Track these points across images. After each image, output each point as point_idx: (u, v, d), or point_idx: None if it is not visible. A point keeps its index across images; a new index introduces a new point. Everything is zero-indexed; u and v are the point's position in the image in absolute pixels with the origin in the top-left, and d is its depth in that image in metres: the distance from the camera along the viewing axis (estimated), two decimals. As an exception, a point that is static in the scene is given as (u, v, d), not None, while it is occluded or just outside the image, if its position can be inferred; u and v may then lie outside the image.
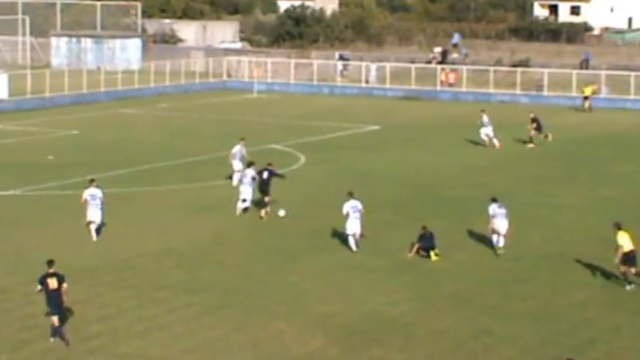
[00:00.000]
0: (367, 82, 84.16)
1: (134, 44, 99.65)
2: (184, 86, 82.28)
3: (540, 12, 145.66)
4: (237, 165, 41.22)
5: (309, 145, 46.23)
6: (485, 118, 53.43)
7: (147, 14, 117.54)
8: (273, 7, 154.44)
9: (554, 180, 44.51)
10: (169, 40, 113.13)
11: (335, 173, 43.77)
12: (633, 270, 28.03)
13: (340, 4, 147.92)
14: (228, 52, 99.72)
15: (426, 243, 30.93)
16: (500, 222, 31.23)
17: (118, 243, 32.24)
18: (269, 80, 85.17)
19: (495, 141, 52.60)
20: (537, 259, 31.29)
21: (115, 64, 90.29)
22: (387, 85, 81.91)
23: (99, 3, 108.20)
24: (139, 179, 43.26)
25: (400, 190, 41.69)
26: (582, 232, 34.81)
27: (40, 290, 23.85)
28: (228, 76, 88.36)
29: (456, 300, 26.91)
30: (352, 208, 31.76)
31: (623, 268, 28.15)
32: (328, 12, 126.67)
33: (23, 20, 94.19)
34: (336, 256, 31.15)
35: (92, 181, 34.48)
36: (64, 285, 23.80)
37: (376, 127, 61.02)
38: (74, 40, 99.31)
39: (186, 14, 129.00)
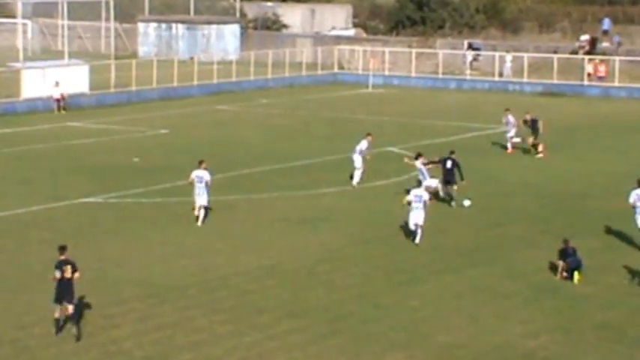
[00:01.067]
0: (501, 75, 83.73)
1: (231, 31, 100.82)
2: (289, 79, 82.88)
3: None
4: (357, 161, 43.48)
5: (432, 148, 45.99)
6: (508, 118, 52.49)
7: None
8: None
9: None
10: (272, 26, 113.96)
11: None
12: None
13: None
14: (339, 40, 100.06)
15: (571, 261, 30.54)
16: None
17: (212, 259, 32.60)
18: (386, 73, 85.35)
19: (509, 144, 52.04)
20: (702, 284, 30.74)
21: (209, 53, 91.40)
22: (525, 79, 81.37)
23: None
24: (236, 186, 43.68)
25: (538, 202, 41.31)
26: None
27: (57, 278, 25.51)
28: (340, 67, 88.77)
29: (606, 331, 26.54)
30: None
31: None
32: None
33: (107, 3, 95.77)
34: (464, 277, 31.01)
35: (201, 162, 37.63)
36: (76, 274, 25.94)
37: (511, 128, 60.58)
38: (164, 26, 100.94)
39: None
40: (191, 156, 50.50)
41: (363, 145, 44.23)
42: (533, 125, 50.50)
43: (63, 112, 64.82)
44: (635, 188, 34.87)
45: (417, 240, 34.24)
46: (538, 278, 30.95)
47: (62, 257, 26.08)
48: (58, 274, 25.60)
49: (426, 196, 34.83)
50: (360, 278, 30.81)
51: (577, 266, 30.43)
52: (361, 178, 43.70)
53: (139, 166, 47.85)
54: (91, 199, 40.38)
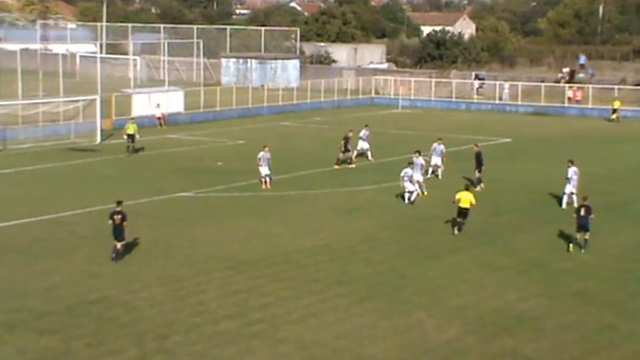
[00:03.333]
0: (500, 99, 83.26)
1: (293, 65, 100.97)
2: (337, 102, 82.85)
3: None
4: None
5: (447, 155, 45.88)
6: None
7: (304, 38, 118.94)
8: (416, 31, 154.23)
9: (675, 189, 43.09)
10: (324, 61, 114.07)
11: (470, 180, 43.28)
12: None
13: (477, 29, 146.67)
14: (376, 71, 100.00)
15: (580, 220, 31.05)
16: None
17: (277, 240, 32.63)
18: (412, 97, 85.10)
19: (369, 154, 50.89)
20: (658, 261, 30.33)
21: (276, 82, 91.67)
22: (519, 102, 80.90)
23: (263, 29, 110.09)
24: (296, 184, 43.71)
25: (529, 197, 41.01)
26: (701, 238, 33.57)
27: (110, 224, 29.09)
28: (376, 93, 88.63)
29: (582, 297, 26.29)
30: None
31: None
32: (466, 36, 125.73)
33: (198, 43, 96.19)
34: (471, 255, 30.82)
35: (265, 147, 42.29)
36: (125, 222, 29.13)
37: (508, 140, 60.20)
38: (241, 60, 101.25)
39: (340, 38, 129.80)
40: (261, 161, 50.83)
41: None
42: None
43: (164, 127, 65.15)
44: (569, 166, 38.26)
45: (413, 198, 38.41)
46: (528, 255, 30.72)
47: (117, 208, 29.25)
48: (109, 222, 29.18)
49: (421, 161, 40.18)
50: (390, 255, 30.72)
51: (583, 226, 30.98)
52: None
53: (222, 168, 48.02)
54: (185, 194, 40.54)
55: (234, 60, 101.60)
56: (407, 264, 29.57)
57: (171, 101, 69.86)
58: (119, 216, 29.17)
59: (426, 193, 40.12)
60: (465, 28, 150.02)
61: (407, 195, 38.89)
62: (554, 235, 33.70)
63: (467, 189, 33.98)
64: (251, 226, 34.58)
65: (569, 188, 38.26)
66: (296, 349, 21.92)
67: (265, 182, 41.87)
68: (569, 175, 38.23)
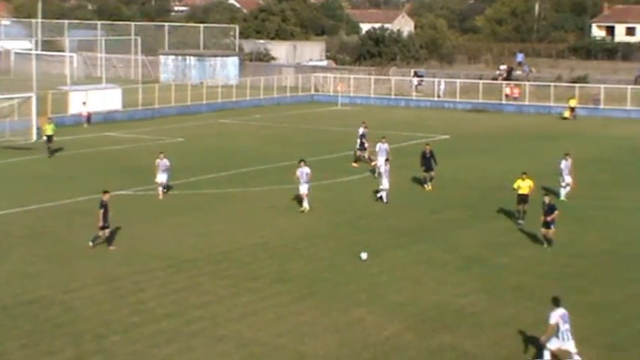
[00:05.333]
0: (439, 96, 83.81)
1: (232, 62, 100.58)
2: (276, 99, 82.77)
3: (598, 33, 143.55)
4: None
5: (391, 153, 46.02)
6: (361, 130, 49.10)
7: (243, 35, 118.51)
8: (355, 29, 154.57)
9: (608, 184, 43.81)
10: (263, 58, 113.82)
11: (409, 177, 43.54)
12: None
13: (415, 27, 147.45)
14: (315, 69, 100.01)
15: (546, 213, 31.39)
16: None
17: (217, 238, 32.50)
18: (351, 94, 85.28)
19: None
20: (594, 256, 30.81)
21: (215, 79, 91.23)
22: (457, 99, 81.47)
23: (202, 26, 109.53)
24: (236, 181, 43.57)
25: (468, 193, 41.37)
26: (636, 232, 34.18)
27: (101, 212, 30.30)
28: (316, 90, 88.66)
29: (519, 292, 26.60)
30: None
31: None
32: (405, 33, 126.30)
33: (135, 41, 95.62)
34: (410, 251, 31.01)
35: (161, 153, 39.95)
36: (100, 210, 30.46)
37: (447, 137, 60.66)
38: (180, 58, 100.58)
39: (279, 35, 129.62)
40: (201, 159, 50.55)
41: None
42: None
43: (87, 125, 64.13)
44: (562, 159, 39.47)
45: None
46: (467, 251, 30.99)
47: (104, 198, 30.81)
48: (101, 211, 30.56)
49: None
50: (331, 252, 30.78)
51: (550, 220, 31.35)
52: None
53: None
54: (124, 192, 40.13)
55: (172, 57, 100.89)
56: (347, 261, 29.63)
57: (109, 99, 69.21)
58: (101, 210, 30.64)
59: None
60: (403, 25, 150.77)
61: (383, 194, 38.54)
62: (492, 230, 34.08)
63: (525, 174, 35.25)
64: (191, 224, 34.40)
65: (566, 179, 39.50)
66: (236, 347, 21.86)
67: (159, 192, 39.33)
68: (562, 167, 39.49)
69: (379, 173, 40.78)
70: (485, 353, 21.82)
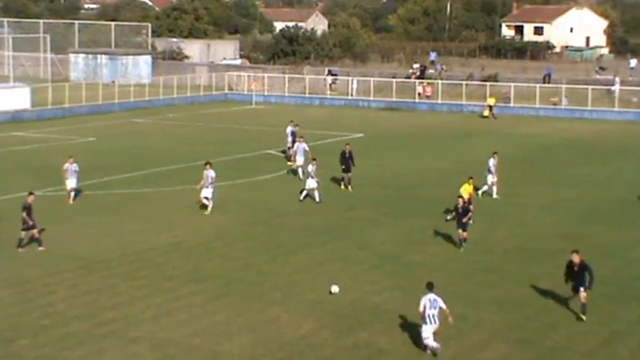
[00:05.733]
0: (352, 94, 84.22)
1: (145, 60, 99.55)
2: (190, 98, 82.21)
3: (507, 32, 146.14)
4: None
5: (309, 153, 46.12)
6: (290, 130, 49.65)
7: (156, 34, 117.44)
8: (269, 27, 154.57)
9: (519, 182, 44.56)
10: (176, 56, 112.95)
11: (324, 175, 43.67)
12: None
13: (329, 25, 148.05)
14: (229, 67, 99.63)
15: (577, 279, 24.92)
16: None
17: (130, 238, 32.16)
18: (266, 93, 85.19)
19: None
20: (504, 252, 31.34)
21: (127, 78, 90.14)
22: (371, 97, 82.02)
23: (113, 24, 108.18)
24: (149, 181, 43.17)
25: (382, 191, 41.67)
26: (544, 229, 34.86)
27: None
28: (229, 89, 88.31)
29: (433, 289, 26.86)
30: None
31: None
32: (318, 32, 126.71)
33: (44, 38, 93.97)
34: (326, 249, 31.11)
35: (70, 157, 38.38)
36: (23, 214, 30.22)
37: (361, 135, 61.01)
38: (90, 56, 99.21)
39: (192, 34, 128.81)
40: (113, 158, 49.94)
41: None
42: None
43: None
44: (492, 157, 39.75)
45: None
46: (382, 249, 31.22)
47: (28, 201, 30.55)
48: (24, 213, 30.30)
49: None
50: (246, 252, 30.71)
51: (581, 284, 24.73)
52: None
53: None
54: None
55: (83, 55, 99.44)
56: (262, 260, 29.60)
57: (17, 98, 67.90)
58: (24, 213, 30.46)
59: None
60: (317, 24, 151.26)
61: (315, 193, 38.42)
62: (406, 228, 34.40)
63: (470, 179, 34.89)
64: (104, 225, 33.97)
65: (490, 178, 39.78)
66: (149, 349, 21.65)
67: (69, 197, 38.02)
68: (490, 165, 39.74)
69: (304, 173, 40.82)
70: (400, 349, 22.03)
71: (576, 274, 24.58)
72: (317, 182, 38.61)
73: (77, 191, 38.63)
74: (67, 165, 38.23)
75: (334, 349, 21.97)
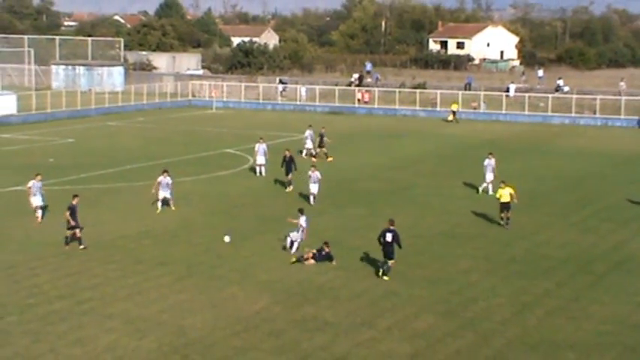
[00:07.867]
0: (300, 100, 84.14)
1: (118, 71, 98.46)
2: (158, 104, 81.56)
3: (434, 46, 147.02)
4: (260, 159, 43.46)
5: (268, 153, 46.02)
6: (307, 132, 50.64)
7: (128, 47, 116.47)
8: (227, 42, 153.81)
9: (445, 175, 44.92)
10: (146, 67, 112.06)
11: (275, 171, 43.56)
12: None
13: (280, 40, 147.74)
14: (192, 77, 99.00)
15: (385, 248, 25.92)
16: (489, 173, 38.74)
17: (105, 227, 31.83)
18: (225, 99, 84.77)
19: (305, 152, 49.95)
20: (432, 236, 31.54)
21: (102, 86, 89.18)
22: (317, 103, 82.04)
23: (90, 39, 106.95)
24: (122, 177, 42.75)
25: (325, 185, 41.57)
26: (467, 216, 35.15)
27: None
28: (193, 96, 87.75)
29: (370, 269, 26.99)
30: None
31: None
32: (271, 46, 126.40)
33: (29, 52, 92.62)
34: (278, 236, 31.03)
35: (37, 175, 32.97)
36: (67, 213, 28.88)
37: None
38: (70, 67, 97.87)
39: (159, 47, 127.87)
40: (90, 157, 49.37)
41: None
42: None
43: None
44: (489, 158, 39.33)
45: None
46: (326, 235, 31.11)
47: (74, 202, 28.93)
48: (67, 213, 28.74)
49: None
50: (207, 238, 30.56)
51: (388, 254, 25.91)
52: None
53: (53, 164, 46.32)
54: (18, 188, 38.77)
55: (63, 67, 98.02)
56: (222, 245, 29.46)
57: (4, 104, 66.96)
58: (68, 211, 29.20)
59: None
60: (269, 39, 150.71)
61: (312, 198, 36.68)
62: (347, 217, 34.47)
63: (504, 183, 33.14)
64: (82, 215, 33.39)
65: (490, 177, 38.94)
66: (123, 324, 21.46)
67: (37, 216, 32.30)
68: (485, 164, 39.15)
69: (261, 173, 40.50)
70: (343, 321, 22.08)
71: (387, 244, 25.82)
72: (318, 188, 37.05)
73: (44, 208, 32.92)
74: (32, 182, 32.40)
75: (285, 322, 21.96)
